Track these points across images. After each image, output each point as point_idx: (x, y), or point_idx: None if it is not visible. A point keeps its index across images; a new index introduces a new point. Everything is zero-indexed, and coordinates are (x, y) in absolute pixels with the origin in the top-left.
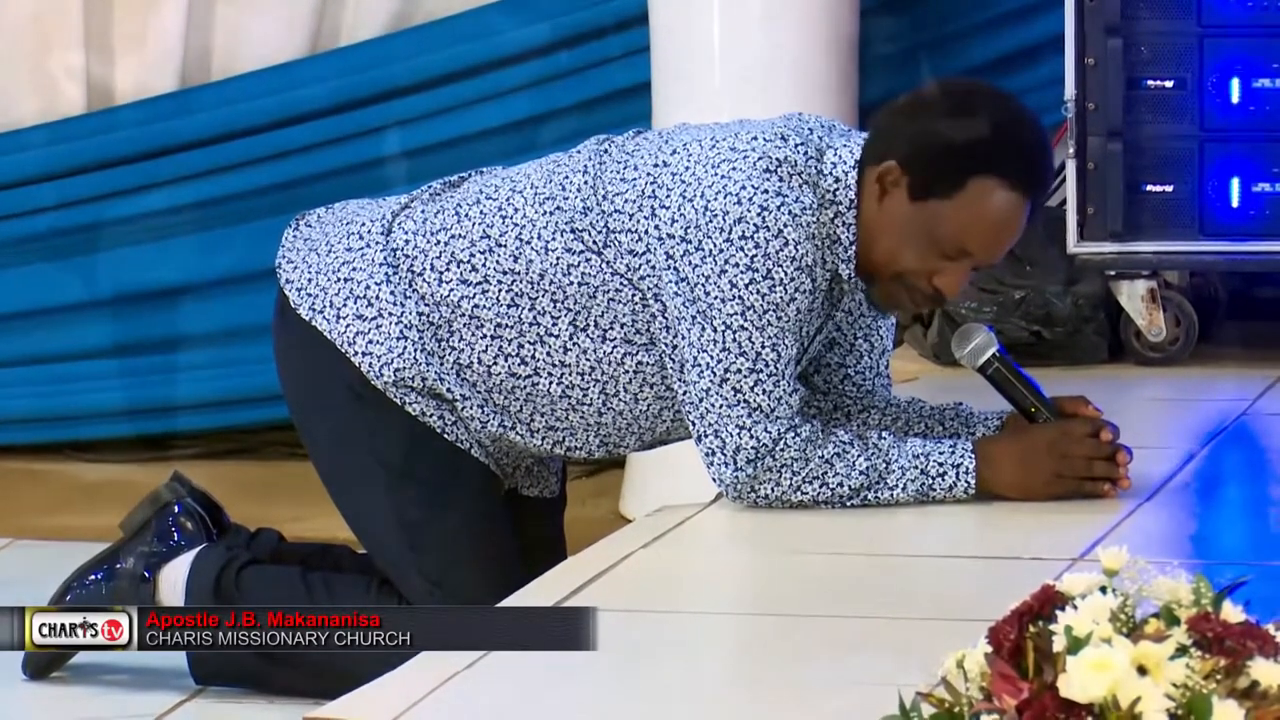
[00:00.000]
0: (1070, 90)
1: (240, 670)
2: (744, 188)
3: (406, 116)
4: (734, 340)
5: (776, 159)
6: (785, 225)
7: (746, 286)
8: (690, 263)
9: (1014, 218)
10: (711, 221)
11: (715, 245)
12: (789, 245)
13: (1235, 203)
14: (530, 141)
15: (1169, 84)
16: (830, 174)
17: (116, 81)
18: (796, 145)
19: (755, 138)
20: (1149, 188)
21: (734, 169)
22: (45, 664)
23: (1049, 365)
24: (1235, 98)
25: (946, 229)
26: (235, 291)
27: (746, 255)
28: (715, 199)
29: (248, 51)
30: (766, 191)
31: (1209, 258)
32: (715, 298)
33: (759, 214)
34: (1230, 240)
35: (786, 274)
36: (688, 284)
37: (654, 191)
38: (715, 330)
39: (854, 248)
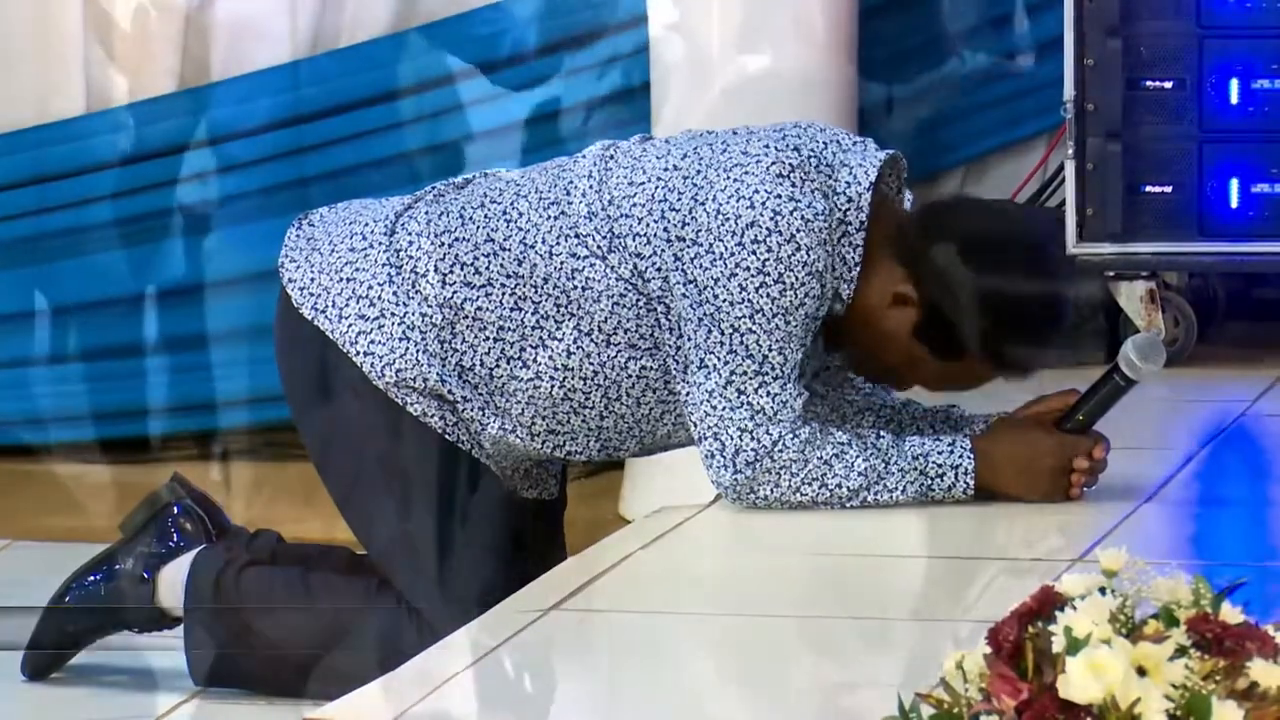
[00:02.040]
0: (1069, 91)
1: (239, 671)
2: (757, 191)
3: (406, 118)
4: (741, 343)
5: (790, 164)
6: (798, 230)
7: (757, 290)
8: (700, 265)
9: None
10: (724, 225)
11: (727, 248)
12: (801, 250)
13: (1234, 203)
14: (532, 142)
15: (1168, 85)
16: (844, 193)
17: (115, 83)
18: (809, 156)
19: (768, 145)
20: (1148, 188)
21: (747, 173)
22: (45, 664)
23: (1047, 366)
24: (1234, 98)
25: (931, 372)
26: (236, 292)
27: (758, 259)
28: (728, 202)
29: (247, 52)
30: (779, 196)
31: (1208, 258)
32: (724, 300)
33: (772, 218)
34: (1229, 241)
35: (797, 278)
36: (696, 286)
37: (665, 195)
38: (723, 333)
39: (858, 269)
